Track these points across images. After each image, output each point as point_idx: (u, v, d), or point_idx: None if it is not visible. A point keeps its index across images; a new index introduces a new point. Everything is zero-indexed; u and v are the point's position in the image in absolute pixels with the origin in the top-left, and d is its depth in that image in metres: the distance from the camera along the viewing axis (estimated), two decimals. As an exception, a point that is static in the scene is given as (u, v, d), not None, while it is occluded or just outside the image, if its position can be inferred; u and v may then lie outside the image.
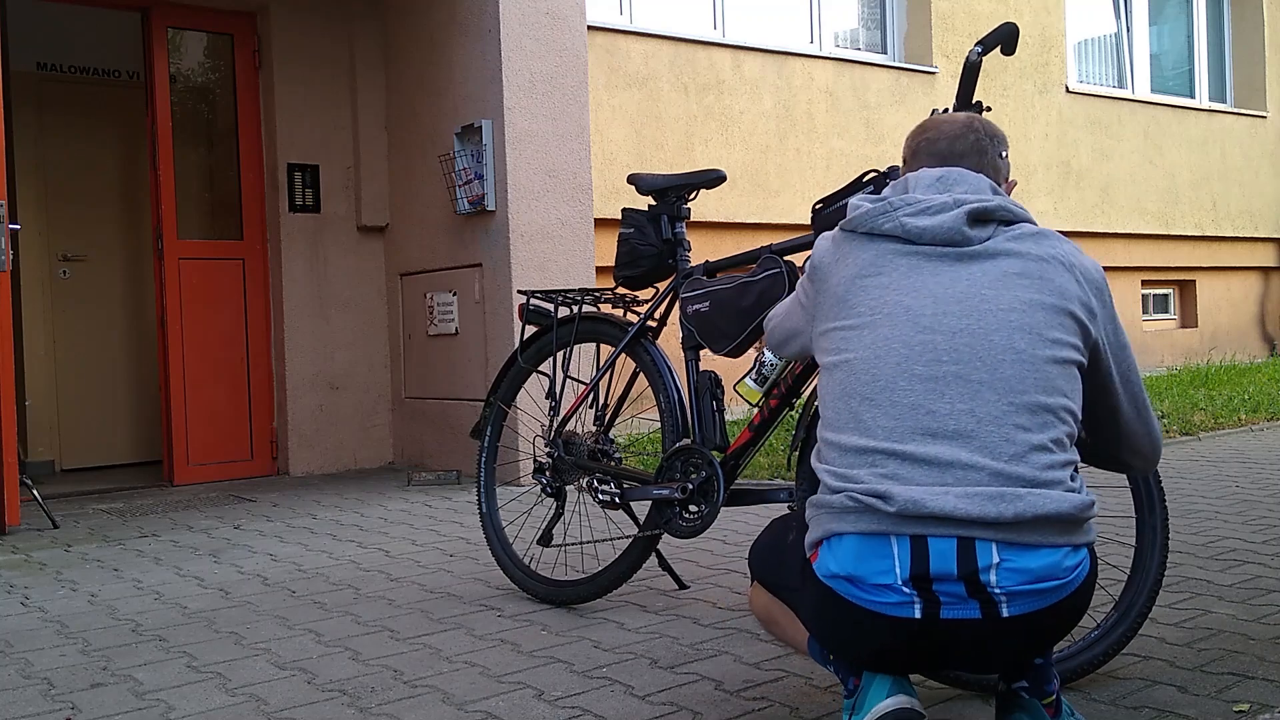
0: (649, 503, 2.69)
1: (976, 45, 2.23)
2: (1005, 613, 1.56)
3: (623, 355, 2.87)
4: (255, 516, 4.45)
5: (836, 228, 1.86)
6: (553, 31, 5.07)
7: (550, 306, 3.03)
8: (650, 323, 2.85)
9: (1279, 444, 5.40)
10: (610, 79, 6.26)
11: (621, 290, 2.96)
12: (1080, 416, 1.67)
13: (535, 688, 2.24)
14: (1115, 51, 9.35)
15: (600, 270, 5.54)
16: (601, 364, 2.93)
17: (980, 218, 1.72)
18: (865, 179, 2.35)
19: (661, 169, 6.38)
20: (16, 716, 2.19)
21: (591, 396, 2.93)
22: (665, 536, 2.75)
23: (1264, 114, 10.02)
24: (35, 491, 4.42)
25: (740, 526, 3.81)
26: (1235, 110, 9.95)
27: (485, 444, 3.16)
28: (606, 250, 5.99)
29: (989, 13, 7.93)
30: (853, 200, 1.83)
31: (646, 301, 2.90)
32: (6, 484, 4.18)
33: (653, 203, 2.85)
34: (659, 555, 2.93)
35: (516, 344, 3.14)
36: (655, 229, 2.80)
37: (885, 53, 7.72)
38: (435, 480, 5.11)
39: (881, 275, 1.73)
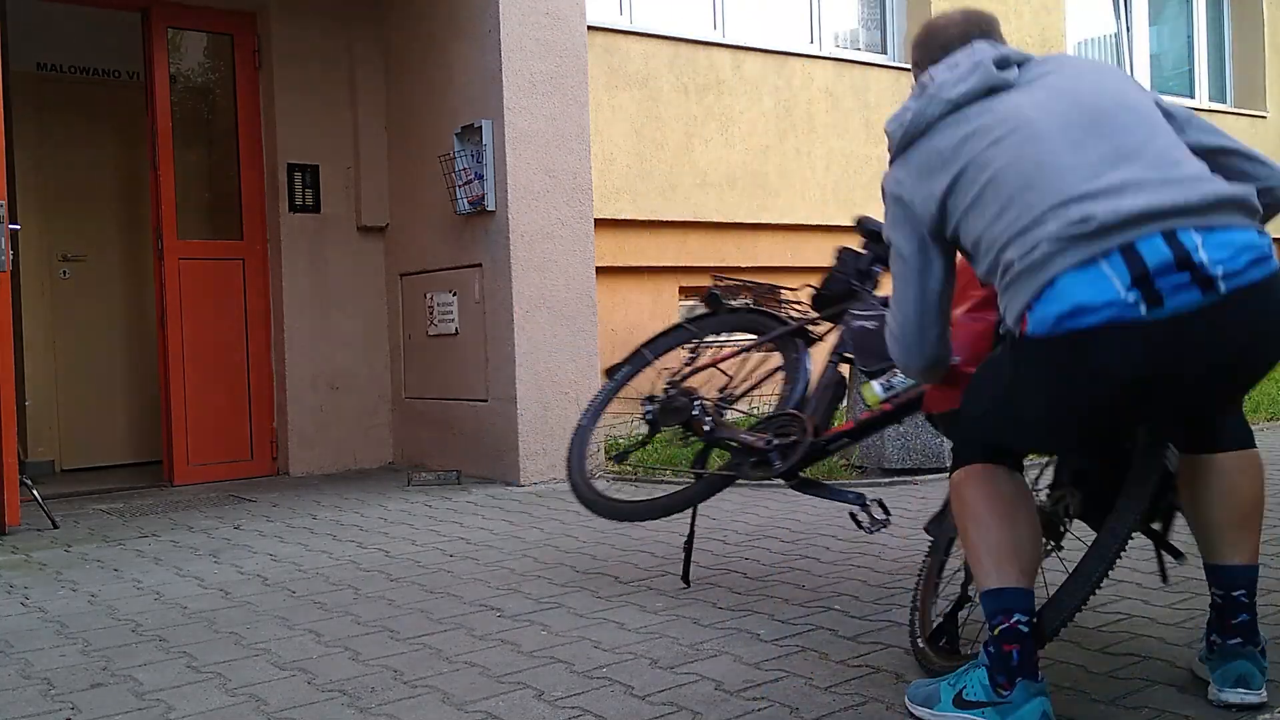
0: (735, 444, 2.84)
1: None
2: (1224, 288, 1.63)
3: (772, 350, 3.01)
4: (255, 517, 4.45)
5: (894, 161, 1.98)
6: (553, 31, 5.07)
7: (728, 299, 3.18)
8: (812, 328, 2.97)
9: (1279, 444, 5.39)
10: (610, 79, 6.26)
11: (790, 293, 3.12)
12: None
13: (535, 688, 2.24)
14: (1115, 51, 9.34)
15: (600, 270, 5.54)
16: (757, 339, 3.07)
17: (1001, 63, 1.90)
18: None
19: (661, 169, 6.38)
20: (16, 717, 2.19)
21: (724, 372, 3.07)
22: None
23: (1264, 114, 10.01)
24: (35, 491, 4.42)
25: (740, 526, 3.81)
26: (1235, 110, 9.94)
27: (616, 380, 3.30)
28: (606, 250, 6.00)
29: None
30: (890, 127, 1.98)
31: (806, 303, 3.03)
32: (6, 484, 4.18)
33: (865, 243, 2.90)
34: (689, 541, 3.00)
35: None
36: (857, 266, 2.86)
37: (885, 53, 7.72)
38: (435, 480, 5.11)
39: (972, 124, 1.86)
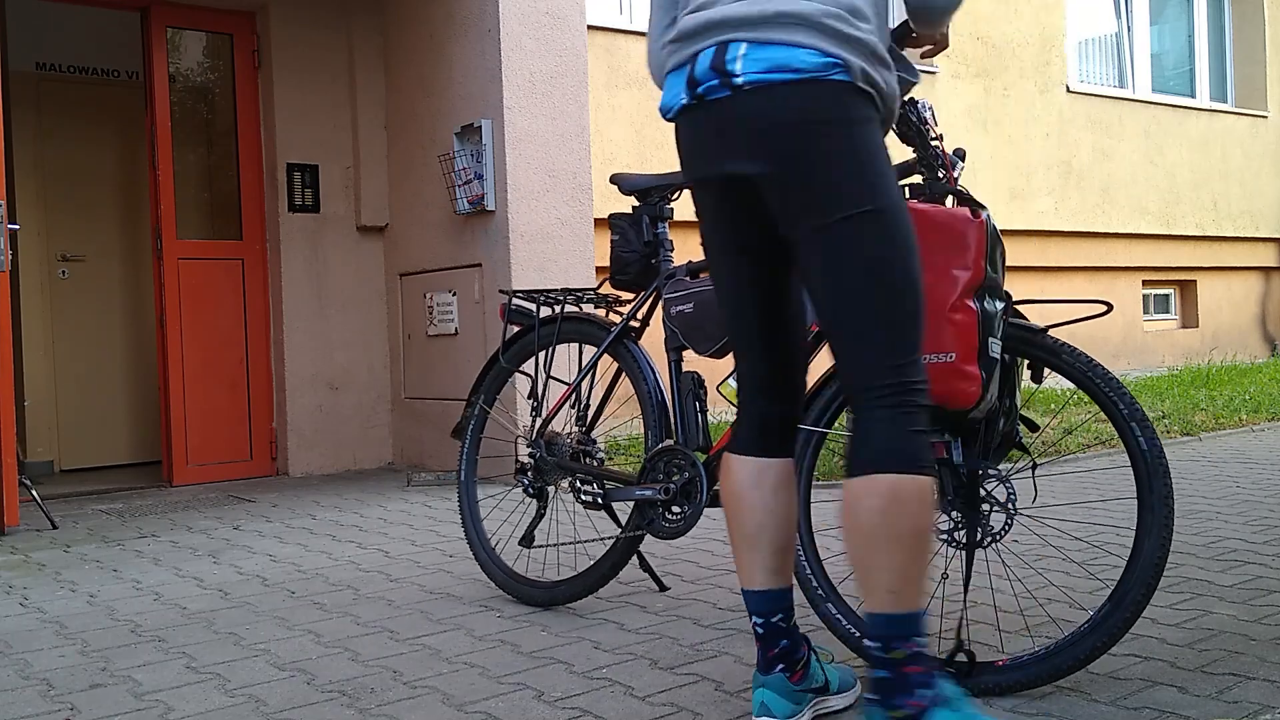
0: (632, 503, 2.69)
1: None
2: (741, 81, 1.76)
3: (606, 356, 2.86)
4: (254, 517, 4.45)
5: None
6: (553, 31, 5.06)
7: (532, 306, 3.02)
8: (633, 323, 2.83)
9: (1279, 444, 5.39)
10: (610, 79, 6.25)
11: (604, 290, 2.95)
12: None
13: (535, 689, 2.24)
14: (1116, 51, 9.34)
15: (601, 270, 5.53)
16: (584, 365, 2.92)
17: None
18: None
19: (661, 169, 6.37)
20: (15, 717, 2.18)
21: (574, 397, 2.92)
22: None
23: (1265, 114, 10.01)
24: (34, 492, 4.42)
25: (740, 527, 3.80)
26: (1236, 110, 9.95)
27: (467, 443, 3.15)
28: (606, 250, 6.00)
29: (989, 13, 7.92)
30: None
31: (629, 301, 2.89)
32: (5, 484, 4.17)
33: (636, 204, 2.84)
34: (640, 557, 2.93)
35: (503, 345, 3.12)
36: (636, 232, 2.79)
37: (885, 52, 7.71)
38: (435, 480, 5.10)
39: None
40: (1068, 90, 8.47)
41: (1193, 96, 9.79)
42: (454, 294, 5.32)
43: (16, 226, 4.86)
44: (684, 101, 1.85)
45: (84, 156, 6.10)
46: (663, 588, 3.00)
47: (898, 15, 1.92)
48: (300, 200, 5.62)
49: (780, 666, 1.97)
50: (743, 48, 1.76)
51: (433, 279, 5.48)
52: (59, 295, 6.00)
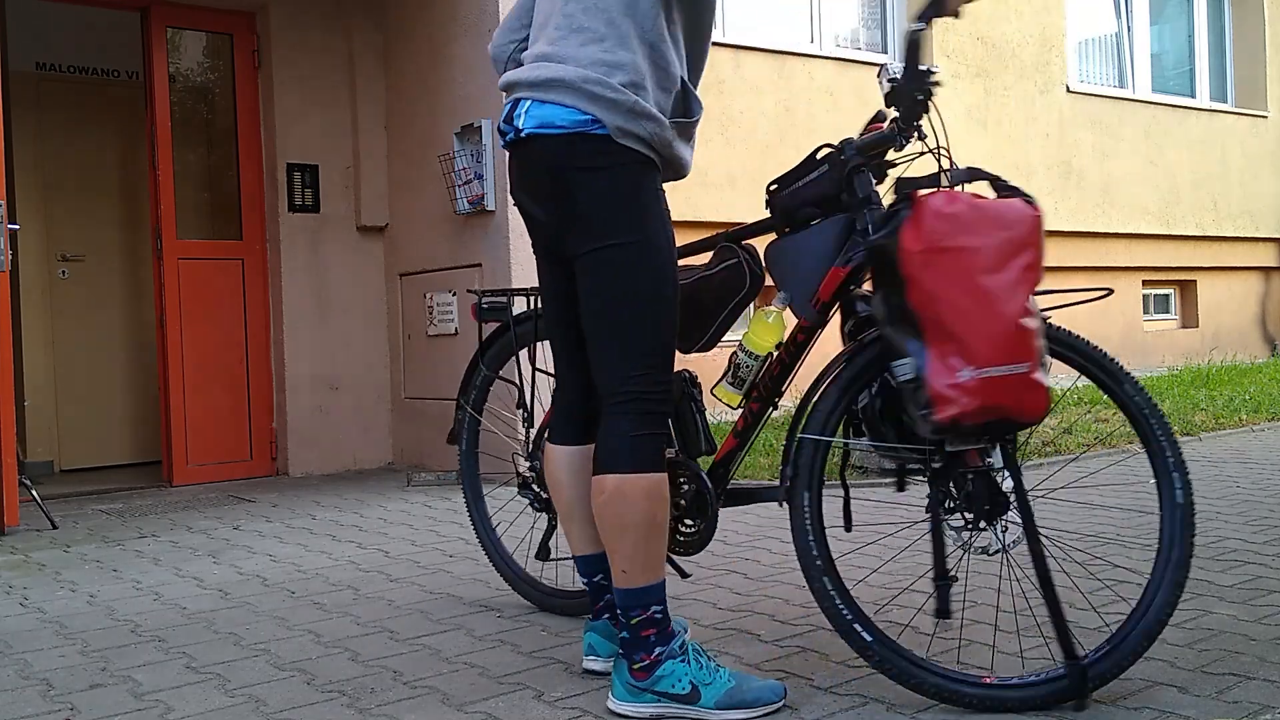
0: None
1: (917, 22, 2.23)
2: (524, 133, 2.09)
3: None
4: (254, 517, 4.45)
5: None
6: (552, 31, 5.06)
7: (504, 301, 2.86)
8: None
9: (1278, 444, 5.39)
10: (610, 79, 6.24)
11: None
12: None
13: (535, 688, 2.24)
14: (1116, 51, 9.34)
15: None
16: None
17: None
18: (818, 155, 2.35)
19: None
20: (15, 717, 2.18)
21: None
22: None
23: (1265, 114, 10.01)
24: (34, 492, 4.42)
25: (740, 527, 3.81)
26: (1236, 110, 9.94)
27: (464, 449, 3.03)
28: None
29: (989, 13, 7.92)
30: None
31: None
32: (5, 484, 4.17)
33: None
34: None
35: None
36: None
37: (886, 52, 7.71)
38: (435, 481, 5.10)
39: None
40: (1068, 90, 8.46)
41: (1193, 96, 9.79)
42: (454, 294, 5.32)
43: (16, 226, 4.86)
44: (504, 143, 2.20)
45: (84, 156, 6.10)
46: (684, 575, 2.92)
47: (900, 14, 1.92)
48: (300, 200, 5.62)
49: (606, 616, 2.32)
50: (527, 104, 2.10)
51: (433, 279, 5.48)
52: (59, 295, 6.00)
